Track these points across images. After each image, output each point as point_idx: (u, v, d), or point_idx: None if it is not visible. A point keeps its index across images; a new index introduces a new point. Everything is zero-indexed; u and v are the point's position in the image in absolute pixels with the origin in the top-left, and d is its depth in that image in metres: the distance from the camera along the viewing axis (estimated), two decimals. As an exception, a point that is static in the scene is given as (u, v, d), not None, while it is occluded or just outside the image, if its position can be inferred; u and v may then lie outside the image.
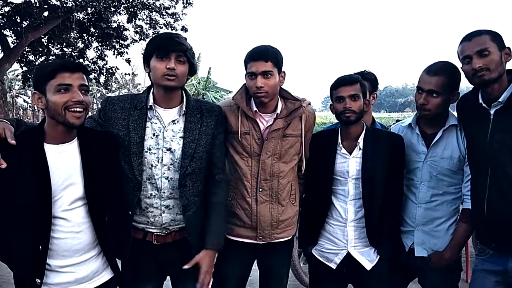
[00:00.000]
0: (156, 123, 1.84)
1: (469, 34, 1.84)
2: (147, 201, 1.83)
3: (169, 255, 1.89)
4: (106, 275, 1.71)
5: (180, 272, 1.94)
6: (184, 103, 1.88)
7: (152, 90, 1.88)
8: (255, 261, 2.25)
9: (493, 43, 1.77)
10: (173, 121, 1.86)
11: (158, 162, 1.82)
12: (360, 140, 2.05)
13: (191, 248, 1.87)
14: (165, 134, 1.83)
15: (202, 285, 1.85)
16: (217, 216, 1.92)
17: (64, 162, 1.56)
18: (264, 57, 1.94)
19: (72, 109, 1.49)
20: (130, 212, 1.82)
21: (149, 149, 1.81)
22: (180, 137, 1.84)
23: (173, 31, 2.01)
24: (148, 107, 1.84)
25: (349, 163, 2.05)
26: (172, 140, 1.84)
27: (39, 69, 1.56)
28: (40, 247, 1.50)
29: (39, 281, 1.51)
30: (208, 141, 1.89)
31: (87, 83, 1.55)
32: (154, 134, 1.83)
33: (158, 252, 1.88)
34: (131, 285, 1.88)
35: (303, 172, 2.16)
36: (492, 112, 1.83)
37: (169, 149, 1.83)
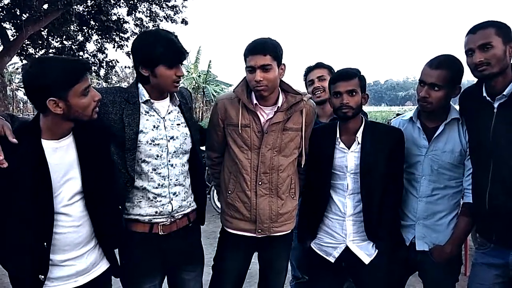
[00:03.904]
0: (153, 115, 1.87)
1: (475, 26, 1.81)
2: (155, 191, 1.86)
3: (174, 245, 1.92)
4: (103, 266, 1.74)
5: (181, 262, 1.99)
6: (174, 94, 1.94)
7: (142, 85, 1.87)
8: (256, 254, 2.25)
9: (497, 36, 1.75)
10: (168, 111, 1.92)
11: (162, 151, 1.86)
12: (359, 135, 2.05)
13: (193, 226, 2.03)
14: (165, 124, 1.89)
15: None
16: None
17: (62, 158, 1.55)
18: (263, 50, 1.92)
19: (96, 108, 1.57)
20: (120, 207, 1.82)
21: (152, 141, 1.84)
22: (177, 124, 1.93)
23: (164, 31, 1.97)
24: (144, 101, 1.85)
25: (348, 158, 2.04)
26: (172, 129, 1.90)
27: (54, 73, 1.43)
28: (45, 243, 1.50)
29: (43, 277, 1.51)
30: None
31: None
32: (154, 126, 1.86)
33: (164, 243, 1.90)
34: (137, 280, 1.89)
35: (302, 166, 2.16)
36: (495, 105, 1.82)
37: (172, 137, 1.89)
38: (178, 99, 1.95)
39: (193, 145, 1.99)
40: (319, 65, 2.80)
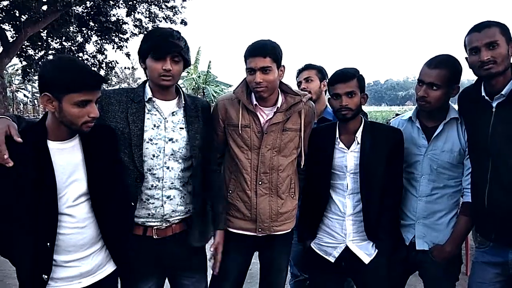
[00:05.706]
0: (155, 115, 1.87)
1: (479, 24, 1.82)
2: (148, 193, 1.85)
3: (169, 250, 1.90)
4: (109, 268, 1.72)
5: (180, 268, 1.97)
6: (182, 96, 1.93)
7: (148, 84, 1.90)
8: (256, 254, 2.26)
9: (502, 36, 1.77)
10: (172, 112, 1.90)
11: (159, 152, 1.85)
12: (358, 135, 2.05)
13: (190, 238, 1.93)
14: (166, 125, 1.87)
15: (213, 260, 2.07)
16: (219, 201, 2.09)
17: (67, 159, 1.56)
18: (263, 53, 1.94)
19: (89, 123, 1.53)
20: (133, 204, 1.82)
21: (150, 140, 1.84)
22: (180, 128, 1.90)
23: (168, 28, 1.97)
24: (147, 99, 1.86)
25: (347, 158, 2.05)
26: (173, 131, 1.88)
27: (58, 72, 1.46)
28: (48, 244, 1.50)
29: (46, 277, 1.52)
30: (204, 135, 1.97)
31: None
32: (154, 125, 1.86)
33: (158, 248, 1.89)
34: (132, 284, 1.88)
35: (302, 167, 2.17)
36: (494, 104, 1.83)
37: (171, 139, 1.87)
38: (186, 103, 1.93)
39: (204, 154, 1.94)
40: (307, 67, 2.84)
